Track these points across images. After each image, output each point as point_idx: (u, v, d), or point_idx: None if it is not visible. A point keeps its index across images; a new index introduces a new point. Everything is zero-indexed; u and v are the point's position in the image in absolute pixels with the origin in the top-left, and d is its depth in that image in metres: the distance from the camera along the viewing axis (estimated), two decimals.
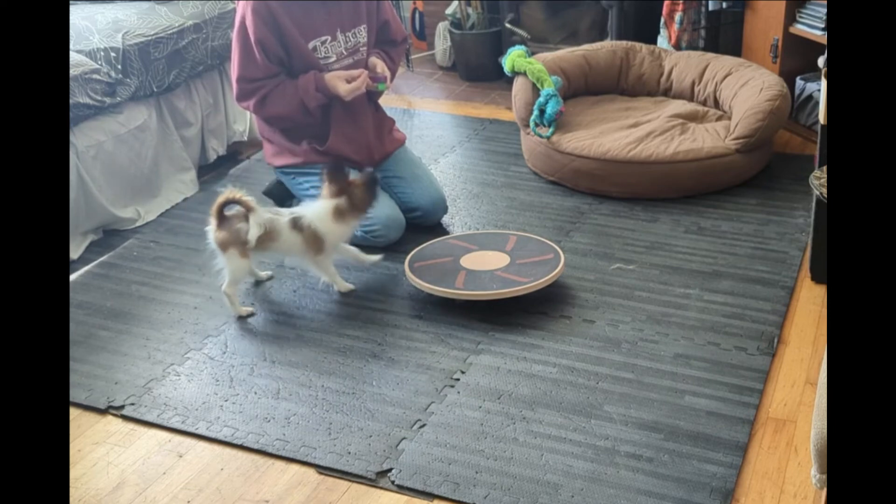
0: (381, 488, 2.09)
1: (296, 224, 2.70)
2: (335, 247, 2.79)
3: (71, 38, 3.31)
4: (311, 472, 2.15)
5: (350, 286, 2.83)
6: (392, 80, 3.19)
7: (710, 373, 2.38)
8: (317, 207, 2.76)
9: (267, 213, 2.69)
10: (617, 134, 3.36)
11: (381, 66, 3.08)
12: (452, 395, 2.35)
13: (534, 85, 3.51)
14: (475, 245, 2.91)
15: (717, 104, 3.60)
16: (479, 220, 3.22)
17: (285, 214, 2.72)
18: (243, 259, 2.66)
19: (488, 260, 2.81)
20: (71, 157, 3.09)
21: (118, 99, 3.28)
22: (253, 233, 2.62)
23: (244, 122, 3.92)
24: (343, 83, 2.95)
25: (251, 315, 2.73)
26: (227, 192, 2.62)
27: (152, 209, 3.40)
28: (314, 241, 2.72)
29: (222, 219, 2.64)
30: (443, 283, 2.69)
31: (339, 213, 2.74)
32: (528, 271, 2.72)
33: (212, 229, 2.67)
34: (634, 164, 3.21)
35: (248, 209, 2.62)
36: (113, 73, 3.28)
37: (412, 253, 2.86)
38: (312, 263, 2.79)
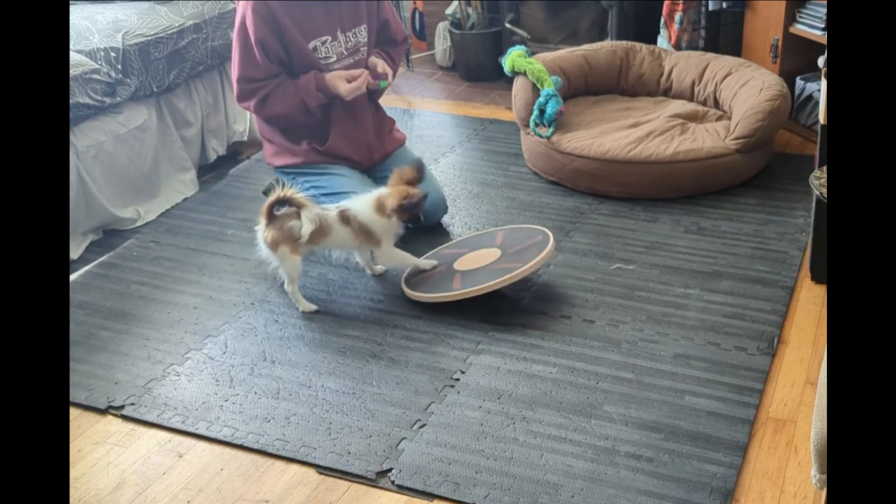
0: (381, 488, 2.09)
1: (343, 217, 2.72)
2: (390, 236, 2.77)
3: (71, 38, 3.31)
4: (311, 472, 2.15)
5: (431, 264, 2.84)
6: (393, 79, 3.20)
7: (710, 373, 2.38)
8: (360, 200, 2.78)
9: (316, 209, 2.70)
10: (617, 134, 3.36)
11: (381, 64, 3.09)
12: (452, 395, 2.35)
13: (534, 85, 3.51)
14: (465, 248, 2.91)
15: (717, 104, 3.60)
16: (479, 220, 3.22)
17: (332, 209, 2.74)
18: (294, 256, 2.68)
19: (481, 258, 2.81)
20: (71, 157, 3.09)
21: (118, 99, 3.28)
22: (306, 228, 2.63)
23: (244, 122, 3.92)
24: (344, 83, 2.96)
25: (317, 312, 2.74)
26: (277, 191, 2.63)
27: (152, 209, 3.40)
28: (366, 234, 2.74)
29: (272, 218, 2.66)
30: (439, 289, 2.68)
31: (379, 206, 2.73)
32: (522, 257, 2.72)
33: (261, 229, 2.69)
34: (634, 164, 3.21)
35: (301, 206, 2.64)
36: (113, 73, 3.28)
37: (406, 273, 2.84)
38: (380, 257, 2.81)
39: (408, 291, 2.75)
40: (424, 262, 2.83)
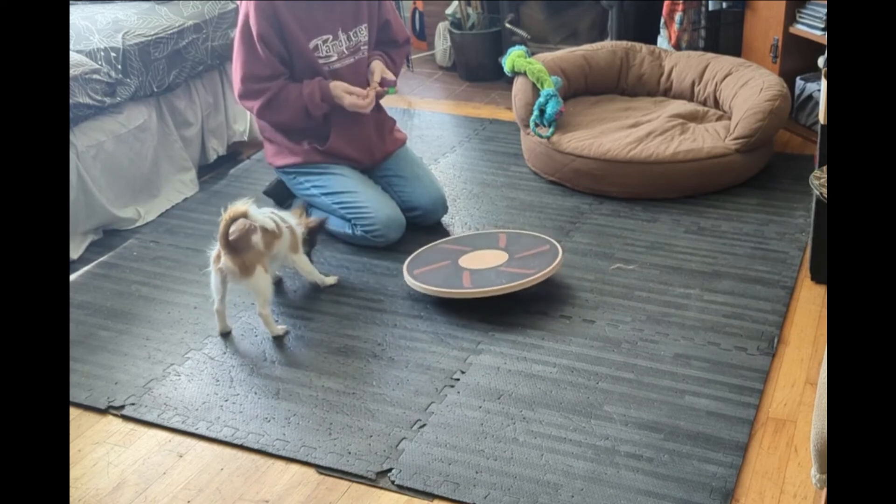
0: (381, 488, 2.09)
1: (281, 218, 2.69)
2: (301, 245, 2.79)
3: (71, 38, 3.31)
4: (311, 472, 2.15)
5: (334, 279, 2.86)
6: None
7: (710, 373, 2.38)
8: (272, 210, 2.72)
9: (260, 213, 2.59)
10: (617, 134, 3.36)
11: (378, 70, 3.08)
12: (452, 395, 2.36)
13: (534, 85, 3.51)
14: (468, 247, 2.91)
15: (717, 104, 3.61)
16: (480, 220, 3.22)
17: (266, 214, 2.63)
18: (267, 273, 2.58)
19: (487, 258, 2.81)
20: (71, 157, 3.09)
21: (118, 99, 3.28)
22: (271, 224, 2.57)
23: (244, 122, 3.92)
24: (348, 96, 2.96)
25: (287, 333, 2.64)
26: (222, 219, 2.48)
27: (152, 209, 3.40)
28: (293, 236, 2.73)
29: (231, 246, 2.52)
30: (450, 285, 2.68)
31: (300, 215, 2.80)
32: (531, 263, 2.73)
33: (226, 260, 2.51)
34: (634, 164, 3.21)
35: (245, 214, 2.50)
36: (113, 73, 3.28)
37: (407, 262, 2.85)
38: (298, 263, 2.78)
39: (412, 282, 2.73)
40: (326, 279, 2.87)
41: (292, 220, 2.75)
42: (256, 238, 2.55)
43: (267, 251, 2.58)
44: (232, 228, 2.51)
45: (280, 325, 2.65)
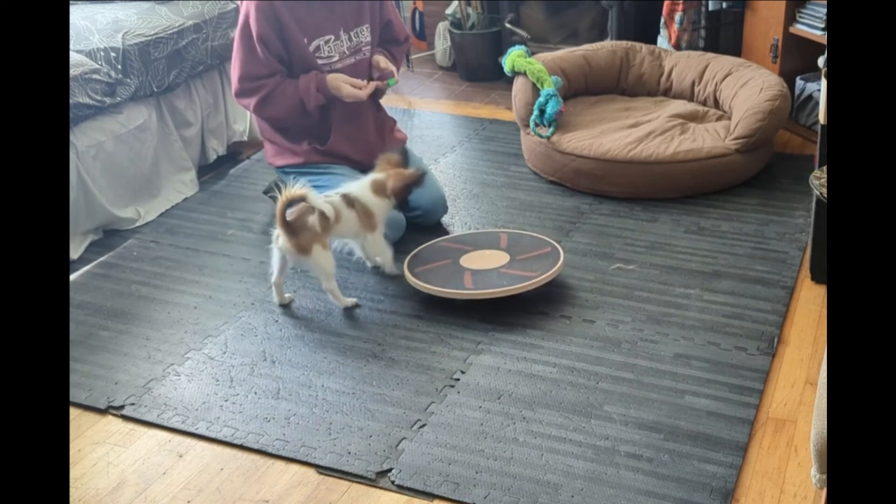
0: (381, 488, 2.09)
1: (348, 201, 2.72)
2: (383, 221, 2.82)
3: (71, 38, 3.31)
4: (311, 472, 2.15)
5: (398, 271, 2.85)
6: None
7: (710, 373, 2.38)
8: (357, 183, 2.79)
9: (321, 196, 2.67)
10: (617, 134, 3.36)
11: (383, 61, 3.10)
12: (452, 395, 2.36)
13: (534, 85, 3.51)
14: (469, 245, 2.91)
15: (717, 104, 3.61)
16: (480, 220, 3.22)
17: (333, 195, 2.73)
18: (327, 250, 2.67)
19: (488, 259, 2.81)
20: (71, 157, 3.09)
21: (118, 99, 3.28)
22: (329, 210, 2.62)
23: (244, 122, 3.92)
24: (346, 86, 2.97)
25: (357, 306, 2.73)
26: (280, 197, 2.55)
27: (152, 209, 3.40)
28: (367, 217, 2.76)
29: (289, 225, 2.59)
30: (451, 285, 2.68)
31: (377, 187, 2.78)
32: (533, 266, 2.73)
33: (283, 240, 2.61)
34: (634, 164, 3.21)
35: (305, 198, 2.57)
36: (113, 73, 3.28)
37: (407, 259, 2.85)
38: (369, 243, 2.81)
39: (413, 281, 2.73)
40: (395, 268, 2.86)
41: (366, 196, 2.76)
42: (313, 219, 2.62)
43: (324, 233, 2.64)
44: (290, 209, 2.58)
45: (349, 298, 2.74)
